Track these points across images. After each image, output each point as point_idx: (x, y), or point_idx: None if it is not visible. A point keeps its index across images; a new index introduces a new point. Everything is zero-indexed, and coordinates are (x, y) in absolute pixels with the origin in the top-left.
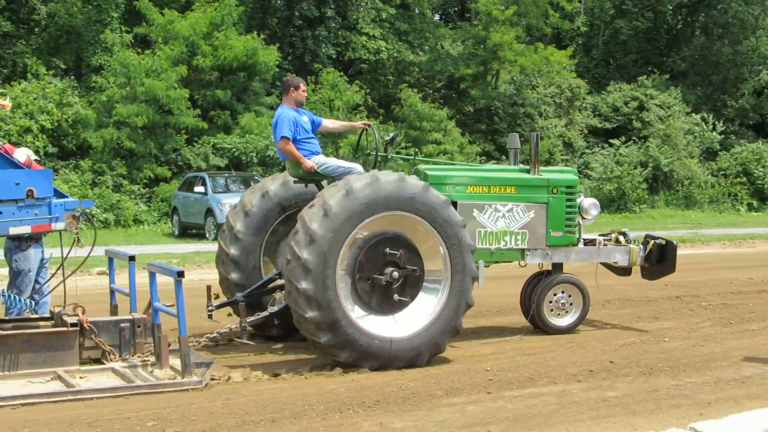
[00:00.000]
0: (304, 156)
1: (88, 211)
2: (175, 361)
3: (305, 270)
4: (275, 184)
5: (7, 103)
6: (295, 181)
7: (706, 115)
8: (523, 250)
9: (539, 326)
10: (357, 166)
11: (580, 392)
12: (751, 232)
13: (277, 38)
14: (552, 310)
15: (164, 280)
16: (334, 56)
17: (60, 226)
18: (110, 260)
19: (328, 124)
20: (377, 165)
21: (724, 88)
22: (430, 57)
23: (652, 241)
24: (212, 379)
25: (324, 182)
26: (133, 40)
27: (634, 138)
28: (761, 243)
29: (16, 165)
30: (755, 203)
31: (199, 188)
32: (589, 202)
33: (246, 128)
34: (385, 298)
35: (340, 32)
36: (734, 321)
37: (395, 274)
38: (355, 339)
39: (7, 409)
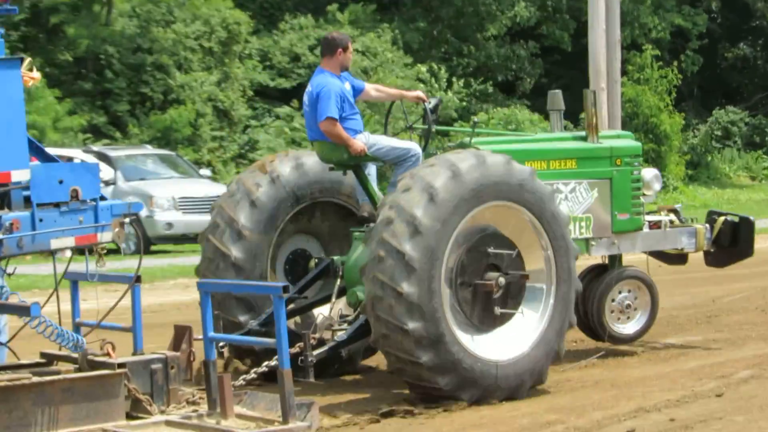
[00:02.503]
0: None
1: (135, 216)
2: (240, 409)
3: (408, 269)
4: (287, 166)
5: (37, 75)
6: (331, 168)
7: (435, 67)
8: (587, 240)
9: (598, 336)
10: (414, 146)
11: None
12: None
13: None
14: (613, 314)
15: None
16: None
17: (107, 237)
18: (74, 285)
19: (372, 91)
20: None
21: (459, 28)
22: None
23: (721, 219)
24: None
25: (370, 168)
26: None
27: None
28: None
29: (51, 157)
30: None
31: None
32: (650, 174)
33: None
34: (487, 311)
35: None
36: None
37: (501, 280)
38: (459, 360)
39: None
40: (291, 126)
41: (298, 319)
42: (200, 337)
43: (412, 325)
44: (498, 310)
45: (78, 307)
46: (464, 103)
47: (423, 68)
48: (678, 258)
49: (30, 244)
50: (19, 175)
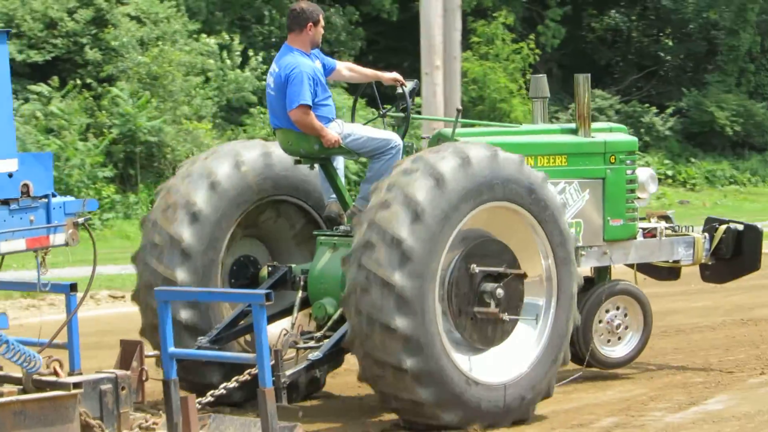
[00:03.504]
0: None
1: (90, 215)
2: None
3: (399, 301)
4: (253, 153)
5: None
6: (296, 161)
7: (227, 37)
8: (576, 249)
9: (581, 359)
10: (395, 137)
11: None
12: None
13: None
14: (601, 335)
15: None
16: None
17: (60, 239)
18: None
19: (344, 71)
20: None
21: None
22: None
23: (723, 227)
24: None
25: (338, 162)
26: None
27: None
28: None
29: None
30: None
31: None
32: (646, 174)
33: None
34: (487, 326)
35: None
36: None
37: (500, 291)
38: (463, 392)
39: None
40: (46, 110)
41: (248, 337)
42: (152, 353)
43: (409, 362)
44: (498, 325)
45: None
46: (263, 83)
47: (212, 40)
48: (669, 272)
49: None
50: (5, 165)
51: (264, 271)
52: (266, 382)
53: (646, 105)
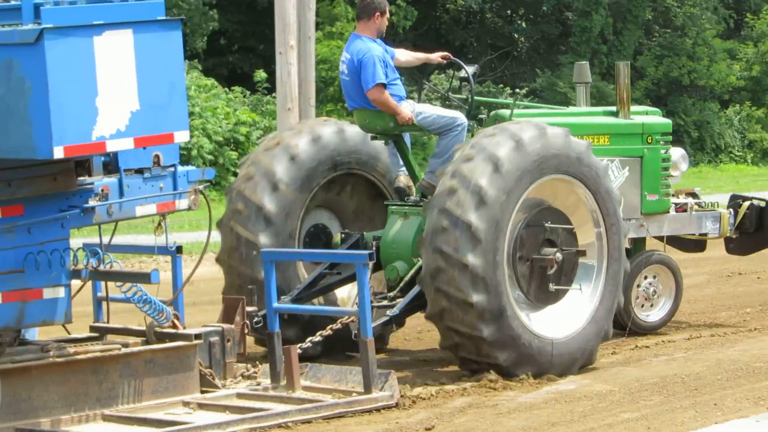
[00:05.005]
0: None
1: (208, 183)
2: (304, 382)
3: (474, 240)
4: (328, 129)
5: None
6: (372, 137)
7: None
8: None
9: (622, 324)
10: (461, 115)
11: None
12: None
13: None
14: (638, 300)
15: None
16: None
17: (183, 204)
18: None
19: (401, 56)
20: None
21: None
22: None
23: (746, 203)
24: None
25: (406, 137)
26: None
27: None
28: None
29: None
30: None
31: None
32: (678, 154)
33: None
34: (543, 287)
35: None
36: None
37: (558, 256)
38: (518, 336)
39: None
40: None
41: (321, 298)
42: (252, 308)
43: (476, 297)
44: (553, 287)
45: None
46: None
47: None
48: (696, 244)
49: (118, 212)
50: (181, 137)
51: (337, 238)
52: (367, 333)
53: (501, 86)
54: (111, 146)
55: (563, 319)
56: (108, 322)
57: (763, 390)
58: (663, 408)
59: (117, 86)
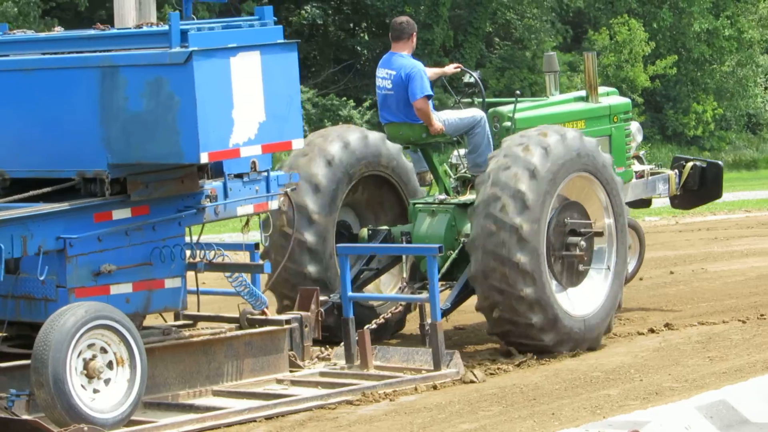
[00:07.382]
0: None
1: (295, 186)
2: (375, 362)
3: (522, 241)
4: (335, 146)
5: None
6: (405, 148)
7: None
8: None
9: None
10: (477, 111)
11: None
12: None
13: None
14: None
15: None
16: None
17: (274, 204)
18: None
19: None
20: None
21: None
22: None
23: (689, 164)
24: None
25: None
26: None
27: None
28: None
29: None
30: None
31: None
32: (635, 127)
33: None
34: (571, 272)
35: None
36: None
37: (582, 244)
38: (559, 319)
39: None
40: None
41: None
42: (324, 297)
43: (526, 291)
44: (582, 268)
45: None
46: None
47: None
48: (642, 203)
49: (223, 212)
50: (297, 144)
51: (363, 233)
52: (437, 316)
53: (344, 98)
54: (244, 152)
55: (587, 297)
56: (199, 311)
57: (600, 399)
58: (502, 418)
59: (248, 100)
